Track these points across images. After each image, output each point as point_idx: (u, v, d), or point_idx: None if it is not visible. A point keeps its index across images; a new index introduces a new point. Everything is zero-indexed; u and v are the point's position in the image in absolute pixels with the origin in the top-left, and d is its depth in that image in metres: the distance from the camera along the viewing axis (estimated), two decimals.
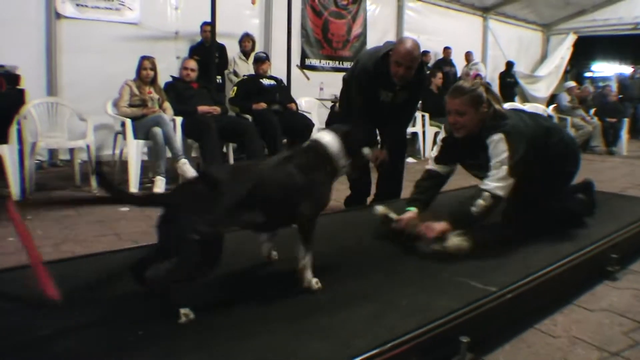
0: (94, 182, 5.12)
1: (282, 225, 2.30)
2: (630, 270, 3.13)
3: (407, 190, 3.64)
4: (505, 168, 2.69)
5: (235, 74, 7.42)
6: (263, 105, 6.13)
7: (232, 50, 7.72)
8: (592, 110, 10.12)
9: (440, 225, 2.67)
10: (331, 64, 9.53)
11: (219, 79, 7.46)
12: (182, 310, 1.86)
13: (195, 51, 7.33)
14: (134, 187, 5.15)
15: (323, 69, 9.38)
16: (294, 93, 7.73)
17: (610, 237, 3.06)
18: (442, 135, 3.15)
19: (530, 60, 14.09)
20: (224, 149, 5.97)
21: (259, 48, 7.93)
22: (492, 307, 2.12)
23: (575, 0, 12.49)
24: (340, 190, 4.15)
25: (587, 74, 19.01)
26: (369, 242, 2.96)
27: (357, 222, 3.42)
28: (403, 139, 4.42)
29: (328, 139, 2.32)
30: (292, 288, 2.18)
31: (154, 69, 5.63)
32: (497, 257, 2.66)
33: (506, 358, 2.09)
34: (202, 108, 5.73)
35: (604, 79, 17.97)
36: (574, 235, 3.07)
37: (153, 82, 5.64)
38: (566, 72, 14.72)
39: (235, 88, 6.43)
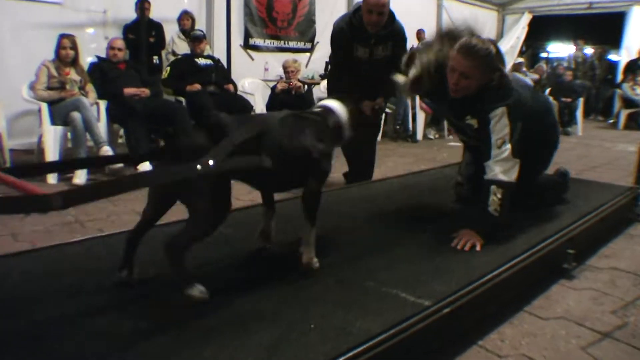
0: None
1: (286, 185, 2.25)
2: (588, 267, 2.81)
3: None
4: (507, 148, 2.45)
5: (174, 54, 6.90)
6: (197, 86, 5.70)
7: (172, 29, 7.17)
8: (547, 90, 9.89)
9: (475, 238, 2.43)
10: (276, 43, 9.01)
11: (156, 59, 6.97)
12: (198, 287, 1.81)
13: (130, 30, 6.77)
14: (52, 178, 4.64)
15: (267, 49, 8.85)
16: (237, 74, 7.34)
17: (565, 230, 2.72)
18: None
19: None
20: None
21: (199, 27, 7.43)
22: (425, 325, 1.73)
23: None
24: None
25: (543, 55, 18.90)
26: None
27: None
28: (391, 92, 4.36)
29: (337, 107, 2.26)
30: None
31: (74, 48, 5.11)
32: (435, 261, 2.27)
33: None
34: (128, 90, 5.23)
35: (559, 59, 17.89)
36: (524, 230, 2.69)
37: (74, 62, 5.13)
38: (522, 52, 14.52)
39: (168, 68, 5.97)
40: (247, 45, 8.59)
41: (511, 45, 13.26)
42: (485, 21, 13.66)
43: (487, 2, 13.36)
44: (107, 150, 4.71)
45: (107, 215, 3.69)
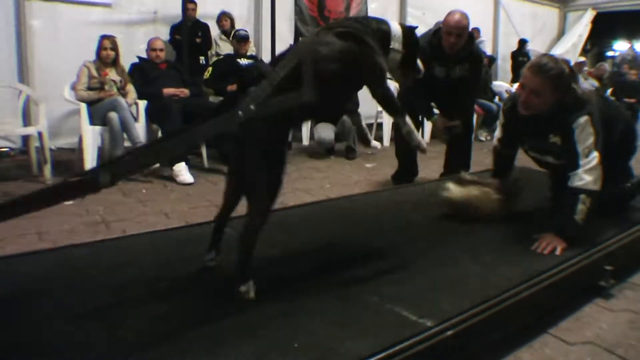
0: (47, 171, 4.63)
1: (340, 109, 2.23)
2: (630, 284, 2.56)
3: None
4: (595, 156, 2.47)
5: (217, 55, 6.89)
6: None
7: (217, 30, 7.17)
8: (609, 90, 9.41)
9: (558, 242, 2.41)
10: None
11: (202, 59, 6.97)
12: (252, 287, 1.83)
13: (177, 30, 6.81)
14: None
15: None
16: None
17: (603, 244, 2.48)
18: (500, 116, 3.01)
19: (546, 38, 13.27)
20: None
21: (248, 27, 7.40)
22: (424, 348, 1.57)
23: None
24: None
25: (609, 53, 18.09)
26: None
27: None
28: (468, 113, 4.62)
29: (392, 23, 2.15)
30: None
31: (115, 48, 5.16)
32: (451, 275, 2.10)
33: None
34: (167, 90, 5.24)
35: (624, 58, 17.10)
36: None
37: (115, 63, 5.16)
38: (586, 51, 13.91)
39: (210, 68, 5.91)
40: None
41: (573, 43, 12.72)
42: (545, 19, 13.17)
43: None
44: None
45: (135, 216, 3.66)
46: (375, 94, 2.02)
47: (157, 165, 4.71)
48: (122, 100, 4.84)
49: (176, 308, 1.78)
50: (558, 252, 2.36)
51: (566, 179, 2.53)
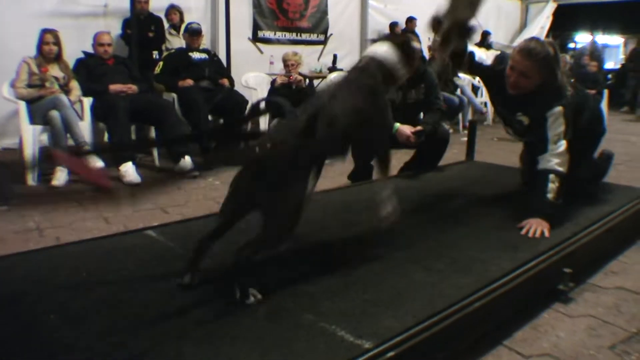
0: None
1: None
2: (590, 286, 2.44)
3: None
4: (563, 143, 2.66)
5: (168, 50, 6.63)
6: (189, 82, 5.40)
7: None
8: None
9: (542, 225, 2.51)
10: (288, 35, 8.70)
11: (155, 54, 6.71)
12: (252, 291, 1.77)
13: (129, 24, 6.53)
14: (31, 180, 4.42)
15: (279, 42, 8.54)
16: (245, 68, 7.11)
17: (561, 245, 2.34)
18: (489, 65, 2.98)
19: (509, 31, 13.28)
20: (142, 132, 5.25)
21: (205, 21, 7.18)
22: None
23: None
24: None
25: (571, 45, 18.20)
26: None
27: None
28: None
29: (384, 50, 2.14)
30: None
31: (57, 43, 4.85)
32: (397, 286, 1.91)
33: None
34: (114, 87, 4.98)
35: (584, 50, 17.24)
36: (511, 245, 2.34)
37: (57, 58, 4.87)
38: None
39: (161, 63, 5.68)
40: (256, 38, 8.31)
41: (535, 35, 12.73)
42: (508, 11, 13.17)
43: None
44: None
45: (72, 222, 3.42)
46: (375, 150, 2.16)
47: (102, 165, 4.46)
48: (63, 97, 4.55)
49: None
50: (546, 234, 2.46)
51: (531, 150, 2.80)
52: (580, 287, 2.39)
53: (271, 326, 1.61)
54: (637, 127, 9.16)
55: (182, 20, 6.75)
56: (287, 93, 5.66)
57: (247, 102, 5.57)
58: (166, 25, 6.83)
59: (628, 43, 12.82)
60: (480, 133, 7.88)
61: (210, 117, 5.42)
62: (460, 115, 8.08)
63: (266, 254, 1.87)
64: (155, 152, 5.22)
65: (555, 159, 2.64)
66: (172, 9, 6.79)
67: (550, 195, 2.60)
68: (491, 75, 2.99)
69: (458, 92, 8.00)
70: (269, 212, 1.77)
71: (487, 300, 1.86)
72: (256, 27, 8.32)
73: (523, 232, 2.50)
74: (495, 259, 2.16)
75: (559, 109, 2.67)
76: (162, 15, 6.85)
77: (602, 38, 17.45)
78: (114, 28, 6.57)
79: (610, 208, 2.95)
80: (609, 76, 13.98)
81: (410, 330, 1.58)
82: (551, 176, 2.62)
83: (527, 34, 12.76)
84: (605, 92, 9.11)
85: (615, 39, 15.84)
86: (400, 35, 2.28)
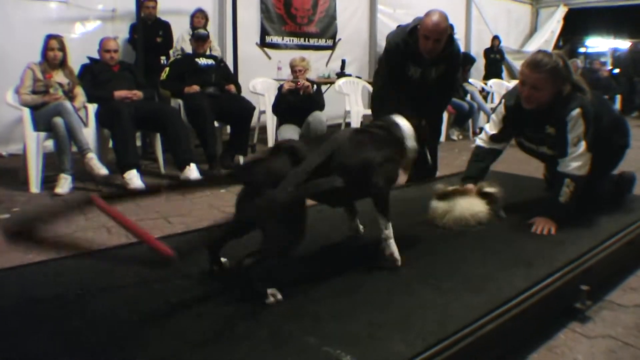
0: None
1: (357, 197, 2.30)
2: (608, 304, 2.33)
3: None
4: (583, 144, 2.68)
5: (183, 52, 6.55)
6: (195, 88, 5.33)
7: (181, 28, 6.81)
8: None
9: (550, 224, 2.65)
10: (296, 41, 8.64)
11: (163, 59, 6.66)
12: (270, 291, 1.82)
13: (136, 30, 6.47)
14: (34, 187, 4.39)
15: (287, 47, 8.48)
16: (252, 74, 7.08)
17: (578, 261, 2.24)
18: (500, 110, 3.03)
19: (519, 35, 13.19)
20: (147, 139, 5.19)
21: (213, 27, 7.12)
22: None
23: None
24: None
25: (581, 50, 18.05)
26: None
27: None
28: (440, 115, 4.32)
29: (401, 121, 2.34)
30: None
31: (62, 49, 4.81)
32: (406, 307, 1.81)
33: None
34: (119, 93, 4.92)
35: (599, 54, 17.07)
36: (526, 261, 2.23)
37: (62, 64, 4.82)
38: (558, 47, 13.82)
39: (167, 69, 5.61)
40: (263, 44, 8.27)
41: (545, 39, 12.64)
42: (519, 16, 13.08)
43: None
44: (91, 158, 4.40)
45: (72, 231, 3.34)
46: (375, 187, 2.13)
47: (106, 172, 4.40)
48: (67, 104, 4.49)
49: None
50: (553, 232, 2.60)
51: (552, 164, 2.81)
52: (598, 305, 2.29)
53: (272, 351, 1.51)
54: None
55: (206, 26, 6.64)
56: (295, 99, 5.57)
57: (254, 108, 5.49)
58: (186, 27, 6.74)
59: (638, 46, 12.59)
60: None
61: (217, 124, 5.35)
62: (470, 121, 7.98)
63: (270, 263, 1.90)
64: (160, 159, 5.15)
65: (573, 162, 2.68)
66: (199, 12, 6.68)
67: (562, 199, 2.67)
68: (509, 115, 2.96)
69: (468, 97, 7.90)
70: (266, 233, 1.88)
71: (500, 322, 1.76)
72: (264, 32, 8.28)
73: (532, 229, 2.64)
74: (508, 277, 2.06)
75: (577, 111, 2.67)
76: (175, 18, 6.78)
77: (613, 42, 17.34)
78: (123, 33, 6.55)
79: (629, 220, 2.85)
80: None
81: (420, 355, 1.48)
82: (567, 180, 2.68)
83: (538, 38, 12.71)
84: (618, 97, 8.99)
85: (626, 44, 15.63)
86: (418, 119, 2.41)
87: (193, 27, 6.68)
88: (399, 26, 4.61)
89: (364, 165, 2.11)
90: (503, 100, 3.02)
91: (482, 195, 2.84)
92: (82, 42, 6.03)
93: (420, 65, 3.77)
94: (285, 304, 1.80)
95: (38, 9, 6.01)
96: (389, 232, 2.16)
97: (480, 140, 3.11)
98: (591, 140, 2.69)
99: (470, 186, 2.91)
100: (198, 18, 6.73)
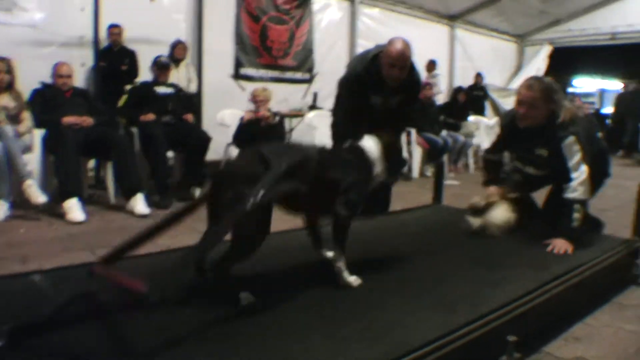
0: None
1: (318, 212, 2.26)
2: (545, 355, 2.07)
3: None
4: (584, 168, 2.91)
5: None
6: (151, 116, 5.14)
7: (150, 57, 6.62)
8: None
9: (567, 245, 2.79)
10: (271, 73, 8.46)
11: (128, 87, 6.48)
12: (243, 295, 1.90)
13: (102, 56, 6.32)
14: None
15: (261, 79, 8.26)
16: (225, 105, 6.83)
17: (512, 304, 2.00)
18: (496, 129, 3.43)
19: (505, 73, 13.12)
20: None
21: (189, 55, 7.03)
22: None
23: (549, 9, 11.52)
24: None
25: (569, 90, 18.02)
26: None
27: None
28: (387, 187, 4.17)
29: (369, 144, 2.34)
30: None
31: (10, 71, 4.63)
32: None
33: None
34: (67, 119, 4.70)
35: (587, 94, 17.05)
36: (446, 305, 1.99)
37: (9, 87, 4.62)
38: None
39: (124, 96, 5.45)
40: (237, 75, 8.08)
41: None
42: (505, 53, 13.04)
43: (505, 33, 12.70)
44: (30, 185, 4.17)
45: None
46: (338, 215, 2.14)
47: (45, 200, 4.16)
48: (8, 128, 4.27)
49: None
50: (570, 251, 2.76)
51: (556, 193, 3.09)
52: (532, 358, 2.03)
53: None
54: (634, 171, 8.83)
55: (184, 57, 6.73)
56: (255, 130, 5.38)
57: (209, 139, 5.29)
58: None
59: (629, 87, 12.53)
60: (465, 176, 7.66)
61: (171, 153, 5.14)
62: (446, 157, 7.77)
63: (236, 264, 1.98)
64: (111, 188, 4.90)
65: (580, 187, 2.89)
66: (179, 44, 6.74)
67: (575, 224, 2.86)
68: (504, 134, 3.36)
69: (443, 133, 7.73)
70: (236, 235, 1.95)
71: None
72: (238, 64, 8.10)
73: (549, 249, 2.80)
74: (424, 321, 1.81)
75: (571, 139, 2.89)
76: (141, 46, 6.63)
77: (601, 83, 17.35)
78: (90, 60, 6.36)
79: (580, 260, 2.62)
80: (608, 121, 13.82)
81: None
82: (577, 206, 2.87)
83: (524, 75, 12.57)
84: (599, 134, 8.83)
85: (614, 84, 15.60)
86: (387, 136, 2.42)
87: (173, 57, 6.64)
88: (358, 54, 4.47)
89: (329, 184, 2.12)
90: (499, 121, 3.33)
91: (509, 201, 3.20)
92: (49, 67, 5.84)
93: (381, 93, 3.69)
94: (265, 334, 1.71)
95: (4, 32, 5.83)
96: (341, 264, 2.16)
97: (484, 153, 3.65)
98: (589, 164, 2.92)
99: (493, 189, 3.28)
100: (179, 49, 6.74)
